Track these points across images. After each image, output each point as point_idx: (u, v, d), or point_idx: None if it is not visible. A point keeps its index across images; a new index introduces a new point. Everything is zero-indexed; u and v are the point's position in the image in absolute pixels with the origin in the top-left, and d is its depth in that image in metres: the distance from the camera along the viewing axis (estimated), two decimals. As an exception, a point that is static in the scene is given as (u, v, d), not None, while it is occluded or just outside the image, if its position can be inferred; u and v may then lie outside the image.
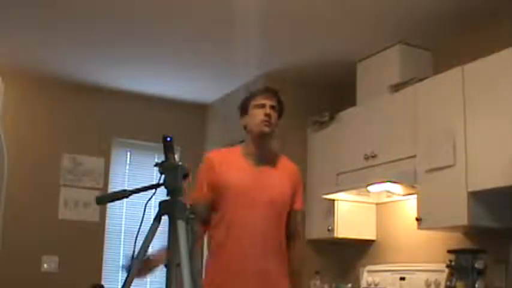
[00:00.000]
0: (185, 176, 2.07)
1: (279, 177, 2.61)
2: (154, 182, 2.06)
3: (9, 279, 4.45)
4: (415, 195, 3.65)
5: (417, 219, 3.56)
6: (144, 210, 2.05)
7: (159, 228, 2.04)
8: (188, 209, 2.03)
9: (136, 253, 2.00)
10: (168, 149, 2.07)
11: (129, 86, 5.25)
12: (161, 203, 2.03)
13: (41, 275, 4.85)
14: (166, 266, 2.03)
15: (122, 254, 5.22)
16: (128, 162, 5.46)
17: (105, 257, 5.14)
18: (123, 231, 5.27)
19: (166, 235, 2.03)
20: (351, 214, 4.30)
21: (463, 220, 3.25)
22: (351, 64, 4.38)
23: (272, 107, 2.59)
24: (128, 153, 5.47)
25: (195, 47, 4.36)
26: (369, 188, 3.91)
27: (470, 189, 3.23)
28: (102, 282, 4.93)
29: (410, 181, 3.66)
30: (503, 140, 3.09)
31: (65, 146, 5.14)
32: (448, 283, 3.46)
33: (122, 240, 5.25)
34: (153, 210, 2.05)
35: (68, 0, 3.68)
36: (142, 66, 4.80)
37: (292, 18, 3.81)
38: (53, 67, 4.85)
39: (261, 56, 4.39)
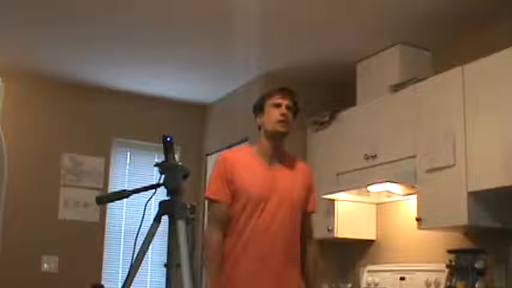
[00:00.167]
0: (185, 176, 2.07)
1: (293, 178, 2.60)
2: (154, 182, 2.07)
3: (9, 279, 4.45)
4: (415, 195, 3.65)
5: (417, 219, 3.56)
6: (144, 210, 2.05)
7: (159, 228, 2.05)
8: (188, 209, 2.03)
9: (136, 253, 2.00)
10: (168, 149, 2.07)
11: (129, 86, 5.25)
12: (161, 203, 2.04)
13: (41, 275, 4.85)
14: (166, 266, 2.03)
15: (121, 254, 5.23)
16: (128, 162, 5.46)
17: (105, 257, 5.14)
18: (123, 231, 5.27)
19: (166, 235, 2.03)
20: (351, 214, 4.30)
21: (463, 220, 3.25)
22: (351, 64, 4.38)
23: (288, 107, 2.59)
24: (128, 153, 5.47)
25: (195, 47, 4.37)
26: (369, 188, 3.91)
27: (470, 189, 3.23)
28: (102, 282, 4.93)
29: (410, 181, 3.66)
30: (503, 140, 3.09)
31: (65, 146, 5.14)
32: (448, 283, 3.46)
33: (122, 240, 5.25)
34: (153, 210, 2.05)
35: (68, 0, 3.68)
36: (142, 66, 4.80)
37: (292, 18, 3.81)
38: (53, 67, 4.85)
39: (261, 56, 4.39)
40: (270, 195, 2.50)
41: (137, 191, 2.11)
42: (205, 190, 5.60)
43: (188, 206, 2.04)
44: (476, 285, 3.29)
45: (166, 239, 2.02)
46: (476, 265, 3.33)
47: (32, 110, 5.10)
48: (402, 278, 3.90)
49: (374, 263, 4.29)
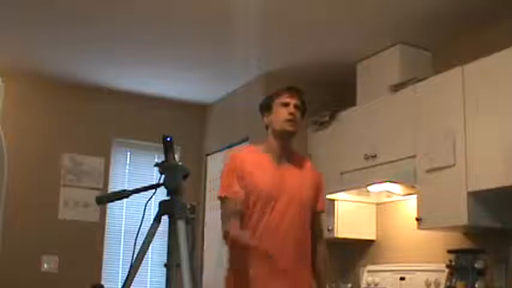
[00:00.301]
0: (185, 176, 2.07)
1: (302, 177, 2.60)
2: (154, 182, 2.07)
3: (9, 279, 4.44)
4: (415, 195, 3.65)
5: (417, 219, 3.56)
6: (144, 210, 2.05)
7: (159, 228, 2.05)
8: (188, 209, 2.03)
9: (136, 253, 2.00)
10: (168, 149, 2.07)
11: (128, 86, 5.25)
12: (161, 203, 2.04)
13: (41, 275, 4.85)
14: (166, 266, 2.03)
15: (121, 254, 5.23)
16: (128, 162, 5.46)
17: (105, 257, 5.14)
18: (123, 231, 5.27)
19: (166, 235, 2.03)
20: (351, 214, 4.30)
21: (463, 220, 3.25)
22: (351, 64, 4.38)
23: (296, 106, 2.59)
24: (128, 153, 5.47)
25: (195, 47, 4.36)
26: (369, 188, 3.91)
27: (470, 189, 3.23)
28: (102, 282, 4.93)
29: (410, 181, 3.66)
30: (503, 140, 3.09)
31: (65, 146, 5.14)
32: (448, 283, 3.46)
33: (122, 240, 5.25)
34: (153, 210, 2.05)
35: (68, 0, 3.68)
36: (142, 66, 4.80)
37: (292, 18, 3.81)
38: (53, 67, 4.85)
39: (261, 56, 4.39)
40: (280, 194, 2.50)
41: (137, 191, 2.11)
42: (205, 190, 5.64)
43: (188, 206, 2.03)
44: (476, 285, 3.29)
45: (166, 239, 2.02)
46: (476, 265, 3.33)
47: (32, 110, 5.10)
48: (402, 278, 3.90)
49: (374, 263, 4.29)
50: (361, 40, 4.10)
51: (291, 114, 2.56)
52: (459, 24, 3.74)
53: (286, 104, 2.58)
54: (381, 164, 3.89)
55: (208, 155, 5.59)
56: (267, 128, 2.66)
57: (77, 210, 5.09)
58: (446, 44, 3.99)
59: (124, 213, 5.27)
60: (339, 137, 4.33)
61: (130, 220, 5.24)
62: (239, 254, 2.51)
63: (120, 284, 2.08)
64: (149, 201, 2.05)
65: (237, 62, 4.49)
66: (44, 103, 5.14)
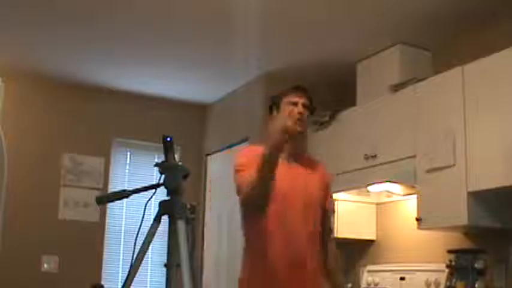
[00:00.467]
0: (185, 176, 2.07)
1: (311, 177, 2.59)
2: (154, 182, 2.07)
3: (9, 279, 4.45)
4: (415, 195, 3.65)
5: (417, 219, 3.56)
6: (144, 210, 2.05)
7: (159, 228, 2.05)
8: (188, 209, 2.03)
9: (136, 253, 2.00)
10: (168, 149, 2.07)
11: (128, 86, 5.25)
12: (161, 203, 2.04)
13: (41, 275, 4.85)
14: (166, 266, 2.03)
15: (121, 254, 5.23)
16: (128, 162, 5.46)
17: (105, 257, 5.14)
18: (123, 231, 5.27)
19: (166, 235, 2.03)
20: (351, 214, 4.30)
21: (463, 220, 3.25)
22: (351, 64, 4.38)
23: (304, 106, 2.58)
24: (128, 153, 5.47)
25: (195, 47, 4.36)
26: (369, 188, 3.91)
27: (470, 189, 3.23)
28: (102, 282, 4.93)
29: (410, 181, 3.66)
30: (503, 140, 3.09)
31: (65, 146, 5.14)
32: (448, 283, 3.46)
33: (122, 240, 5.25)
34: (153, 210, 2.05)
35: (68, 0, 3.68)
36: (142, 66, 4.80)
37: (292, 18, 3.81)
38: (53, 67, 4.85)
39: (261, 56, 4.39)
40: (291, 194, 2.49)
41: (137, 191, 2.11)
42: (205, 190, 5.64)
43: (188, 206, 2.04)
44: (476, 285, 3.29)
45: (166, 239, 2.02)
46: (476, 265, 3.33)
47: (32, 110, 5.10)
48: (402, 278, 3.90)
49: (374, 263, 4.29)
50: (361, 40, 4.10)
51: (300, 113, 2.54)
52: (459, 24, 3.74)
53: (294, 103, 2.57)
54: (381, 164, 3.89)
55: (208, 155, 5.59)
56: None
57: (77, 210, 5.09)
58: (446, 44, 3.99)
59: (124, 213, 5.27)
60: (339, 137, 4.33)
61: (131, 220, 5.24)
62: (254, 251, 2.50)
63: (120, 284, 2.08)
64: (149, 201, 2.05)
65: (237, 62, 4.49)
66: (44, 103, 5.14)
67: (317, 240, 2.55)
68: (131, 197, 2.12)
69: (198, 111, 5.70)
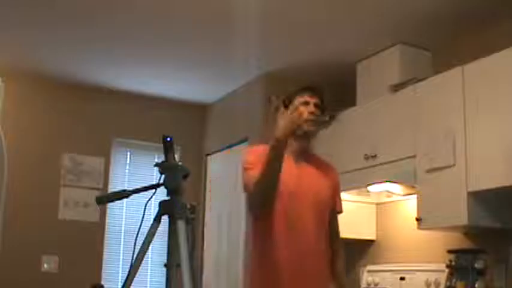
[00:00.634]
0: (185, 176, 2.07)
1: (320, 178, 2.57)
2: (154, 182, 2.07)
3: (9, 279, 4.45)
4: (415, 195, 3.65)
5: (417, 219, 3.56)
6: (144, 210, 2.05)
7: (159, 228, 2.05)
8: (188, 209, 2.03)
9: (136, 253, 2.00)
10: (168, 149, 2.07)
11: (129, 86, 5.25)
12: (161, 203, 2.04)
13: (41, 275, 4.85)
14: (166, 266, 2.03)
15: (121, 254, 5.23)
16: (128, 162, 5.46)
17: (105, 257, 5.14)
18: (123, 231, 5.27)
19: (166, 235, 2.03)
20: (351, 214, 4.29)
21: (463, 220, 3.25)
22: (351, 64, 4.38)
23: (316, 105, 2.55)
24: (128, 153, 5.47)
25: (195, 47, 4.37)
26: (369, 188, 3.91)
27: (470, 189, 3.23)
28: (102, 282, 4.93)
29: (410, 181, 3.66)
30: (503, 140, 3.09)
31: (65, 146, 5.14)
32: (448, 283, 3.46)
33: (122, 240, 5.25)
34: (153, 210, 2.05)
35: (68, 0, 3.68)
36: (142, 66, 4.80)
37: (292, 18, 3.81)
38: (53, 67, 4.85)
39: (261, 56, 4.39)
40: (297, 192, 2.46)
41: (137, 191, 2.11)
42: (205, 190, 5.64)
43: (188, 206, 2.04)
44: (476, 285, 3.29)
45: (166, 239, 2.02)
46: (476, 265, 3.33)
47: (32, 110, 5.10)
48: (402, 278, 3.90)
49: (374, 263, 4.29)
50: (361, 40, 4.10)
51: (311, 113, 2.52)
52: (459, 24, 3.74)
53: (306, 103, 2.54)
54: (381, 164, 3.88)
55: (208, 155, 5.59)
56: None
57: (77, 210, 5.09)
58: (446, 44, 3.99)
59: (124, 213, 5.27)
60: (339, 137, 4.32)
61: (131, 220, 5.24)
62: (260, 251, 2.47)
63: (120, 284, 2.08)
64: (149, 201, 2.05)
65: (237, 62, 4.48)
66: (44, 103, 5.14)
67: (324, 240, 2.53)
68: (131, 197, 2.12)
69: (198, 111, 5.70)
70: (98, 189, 5.14)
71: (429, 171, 3.50)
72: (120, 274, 5.16)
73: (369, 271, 4.23)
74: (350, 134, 4.22)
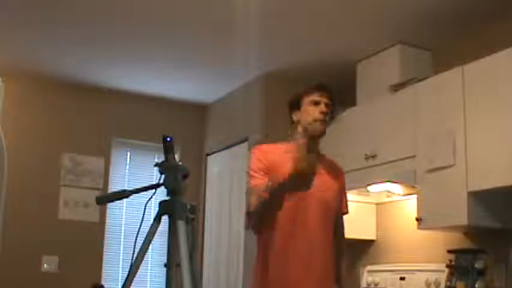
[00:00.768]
0: (185, 176, 2.07)
1: (328, 179, 2.55)
2: (154, 182, 2.07)
3: (9, 279, 4.45)
4: (415, 195, 3.65)
5: (417, 219, 3.56)
6: (144, 210, 2.05)
7: (159, 228, 2.05)
8: (188, 209, 2.03)
9: (136, 253, 2.00)
10: (168, 149, 2.07)
11: (129, 86, 5.25)
12: (161, 203, 2.04)
13: (41, 275, 4.85)
14: (166, 266, 2.03)
15: (121, 254, 5.23)
16: (128, 162, 5.46)
17: (105, 257, 5.14)
18: (123, 231, 5.27)
19: (166, 235, 2.03)
20: (351, 214, 4.26)
21: (463, 220, 3.25)
22: (351, 64, 4.38)
23: (327, 105, 2.52)
24: (128, 153, 5.47)
25: (195, 47, 4.36)
26: (369, 188, 3.91)
27: (470, 189, 3.23)
28: (102, 282, 4.93)
29: (410, 181, 3.66)
30: (503, 140, 3.09)
31: (65, 146, 5.14)
32: (448, 283, 3.46)
33: (122, 240, 5.25)
34: (153, 210, 2.05)
35: (68, 0, 3.68)
36: (142, 66, 4.80)
37: (292, 18, 3.81)
38: (53, 67, 4.85)
39: (261, 56, 4.39)
40: (308, 197, 2.44)
41: (137, 191, 2.11)
42: (205, 190, 5.64)
43: (188, 206, 2.04)
44: (476, 285, 3.29)
45: (166, 239, 2.02)
46: (476, 265, 3.33)
47: (32, 110, 5.10)
48: (402, 278, 3.90)
49: (374, 263, 4.28)
50: (361, 40, 4.10)
51: (322, 113, 2.50)
52: (459, 24, 3.74)
53: (316, 103, 2.51)
54: (381, 164, 3.88)
55: (208, 155, 5.59)
56: (293, 126, 2.57)
57: (77, 210, 5.09)
58: (446, 44, 3.99)
59: (124, 213, 5.27)
60: (339, 137, 4.32)
61: (131, 220, 5.24)
62: (267, 251, 2.45)
63: (120, 284, 2.08)
64: (149, 201, 2.05)
65: (237, 62, 4.48)
66: (44, 103, 5.14)
67: (331, 241, 2.51)
68: (131, 197, 2.12)
69: (198, 111, 5.70)
70: (98, 189, 5.14)
71: (429, 171, 3.50)
72: (120, 274, 5.16)
73: (369, 271, 4.23)
74: (350, 134, 4.22)
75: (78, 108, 5.24)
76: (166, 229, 2.02)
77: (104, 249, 5.15)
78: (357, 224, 4.32)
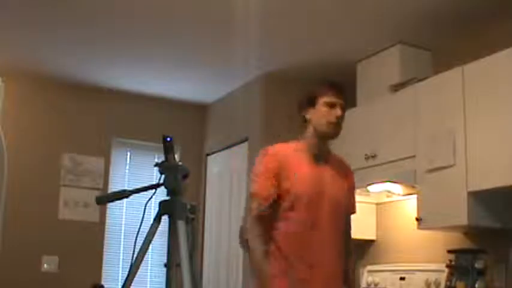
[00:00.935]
0: (185, 176, 2.07)
1: (339, 179, 2.50)
2: (154, 182, 2.07)
3: (9, 279, 4.45)
4: (415, 195, 3.65)
5: (417, 219, 3.56)
6: (144, 210, 2.05)
7: (159, 228, 2.05)
8: (188, 209, 2.04)
9: (136, 253, 2.00)
10: (168, 149, 2.08)
11: (129, 86, 5.25)
12: (161, 203, 2.04)
13: (41, 275, 4.85)
14: (166, 266, 2.03)
15: (121, 254, 5.23)
16: (128, 162, 5.46)
17: (105, 257, 5.14)
18: (123, 231, 5.27)
19: (166, 235, 2.03)
20: (351, 214, 4.30)
21: (463, 220, 3.25)
22: (351, 64, 4.38)
23: (342, 108, 2.46)
24: (128, 153, 5.47)
25: (195, 47, 4.36)
26: (369, 188, 3.91)
27: (470, 189, 3.23)
28: (102, 282, 4.93)
29: (410, 181, 3.66)
30: (503, 140, 3.09)
31: (65, 146, 5.14)
32: (448, 283, 3.46)
33: (122, 240, 5.25)
34: (153, 210, 2.05)
35: (68, 0, 3.68)
36: (142, 66, 4.80)
37: (292, 18, 3.81)
38: (53, 67, 4.85)
39: (261, 56, 4.39)
40: (319, 198, 2.40)
41: (137, 191, 2.11)
42: (205, 190, 5.63)
43: (188, 206, 2.04)
44: (476, 285, 3.29)
45: (166, 239, 2.02)
46: (476, 265, 3.33)
47: (32, 110, 5.10)
48: (402, 278, 3.90)
49: (374, 263, 4.29)
50: (361, 40, 4.10)
51: (337, 117, 2.44)
52: (459, 24, 3.74)
53: (331, 105, 2.44)
54: (381, 164, 3.88)
55: (208, 155, 5.59)
56: (305, 124, 2.51)
57: (77, 210, 5.08)
58: (446, 44, 3.99)
59: (124, 213, 5.27)
60: (339, 137, 4.32)
61: (131, 220, 5.24)
62: (277, 254, 2.40)
63: (120, 284, 2.08)
64: (149, 201, 2.05)
65: (237, 62, 4.48)
66: (44, 103, 5.14)
67: (342, 243, 2.48)
68: (131, 197, 2.12)
69: (198, 111, 5.70)
70: (98, 189, 5.14)
71: (429, 171, 3.50)
72: (120, 274, 5.16)
73: (369, 271, 4.23)
74: (350, 134, 4.20)
75: (78, 108, 5.24)
76: (166, 229, 2.02)
77: (104, 249, 5.15)
78: (357, 224, 4.27)
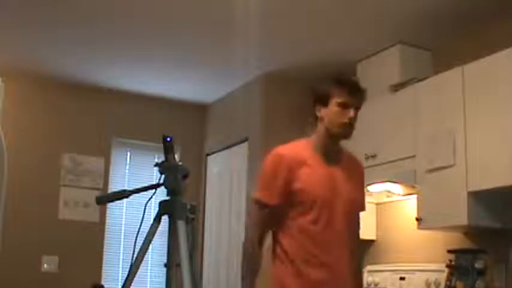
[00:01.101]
0: (185, 176, 2.08)
1: (351, 179, 2.42)
2: (154, 182, 2.07)
3: (9, 279, 4.44)
4: (415, 195, 3.65)
5: (417, 219, 3.56)
6: (144, 210, 2.05)
7: (159, 228, 2.05)
8: (188, 209, 2.04)
9: (136, 253, 2.00)
10: (168, 149, 2.08)
11: (129, 86, 5.25)
12: (161, 203, 2.04)
13: (41, 275, 4.85)
14: (166, 266, 2.03)
15: (121, 254, 5.23)
16: (128, 162, 5.46)
17: (105, 257, 5.14)
18: (123, 231, 5.27)
19: (166, 235, 2.03)
20: (351, 214, 4.29)
21: (463, 220, 3.25)
22: (351, 64, 4.38)
23: (357, 110, 2.38)
24: (128, 153, 5.47)
25: (195, 47, 4.36)
26: (369, 188, 3.91)
27: (470, 189, 3.23)
28: (102, 282, 4.93)
29: (410, 181, 3.66)
30: (503, 140, 3.09)
31: (65, 146, 5.14)
32: (448, 283, 3.46)
33: (122, 240, 5.25)
34: (153, 210, 2.05)
35: (68, 0, 3.68)
36: (142, 66, 4.80)
37: (292, 18, 3.81)
38: (53, 67, 4.85)
39: (261, 56, 4.39)
40: (332, 198, 2.33)
41: (137, 191, 2.11)
42: (205, 190, 5.63)
43: (188, 206, 2.04)
44: (476, 285, 3.29)
45: (166, 239, 2.02)
46: (476, 265, 3.33)
47: (32, 110, 5.10)
48: (402, 278, 3.90)
49: (374, 263, 4.28)
50: (361, 40, 4.10)
51: (350, 118, 2.36)
52: (459, 24, 3.74)
53: (345, 106, 2.34)
54: (381, 164, 3.88)
55: (208, 155, 5.59)
56: (315, 122, 2.42)
57: (77, 210, 5.09)
58: (446, 44, 3.99)
59: (124, 213, 5.27)
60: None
61: (131, 220, 5.24)
62: (287, 256, 2.32)
63: (120, 284, 2.08)
64: (149, 201, 2.05)
65: (237, 62, 4.48)
66: (44, 103, 5.14)
67: (354, 243, 2.40)
68: (131, 197, 2.12)
69: (198, 111, 5.70)
70: (98, 189, 5.14)
71: (429, 171, 3.50)
72: (120, 274, 5.16)
73: (369, 271, 4.23)
74: (350, 134, 4.22)
75: (78, 108, 5.24)
76: (166, 229, 2.02)
77: (104, 249, 5.15)
78: (357, 224, 4.31)
